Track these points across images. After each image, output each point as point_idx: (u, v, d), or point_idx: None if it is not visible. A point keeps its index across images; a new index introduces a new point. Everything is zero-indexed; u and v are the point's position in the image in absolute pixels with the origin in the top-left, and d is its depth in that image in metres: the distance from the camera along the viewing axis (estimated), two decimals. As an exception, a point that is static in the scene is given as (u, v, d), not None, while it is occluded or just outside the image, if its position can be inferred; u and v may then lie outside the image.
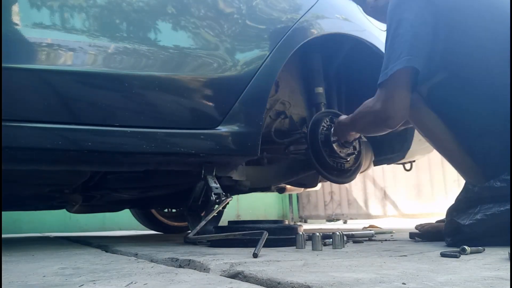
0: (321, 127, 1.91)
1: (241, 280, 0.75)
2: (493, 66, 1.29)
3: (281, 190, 2.71)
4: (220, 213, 1.65)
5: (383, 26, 2.02)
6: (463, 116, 1.34)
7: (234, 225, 1.44)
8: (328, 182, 2.30)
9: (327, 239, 1.37)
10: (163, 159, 1.51)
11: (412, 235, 1.59)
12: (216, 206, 1.51)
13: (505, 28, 1.29)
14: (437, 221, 1.59)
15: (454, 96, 1.34)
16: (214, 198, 1.52)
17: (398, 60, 1.30)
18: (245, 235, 1.30)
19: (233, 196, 1.60)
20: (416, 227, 1.58)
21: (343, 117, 1.75)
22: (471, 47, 1.30)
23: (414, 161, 2.61)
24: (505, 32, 1.28)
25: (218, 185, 1.58)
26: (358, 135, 1.84)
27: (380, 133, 1.56)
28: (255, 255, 1.01)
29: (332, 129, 1.86)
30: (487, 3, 1.33)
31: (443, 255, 0.98)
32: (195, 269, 0.90)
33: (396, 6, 1.37)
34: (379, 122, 1.43)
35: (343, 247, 1.27)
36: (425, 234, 1.53)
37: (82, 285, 0.71)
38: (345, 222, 4.96)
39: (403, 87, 1.33)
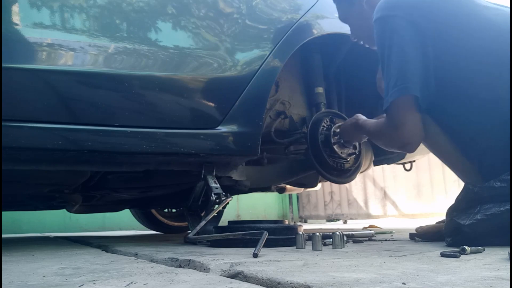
0: (321, 127, 1.91)
1: (241, 280, 0.75)
2: (483, 74, 1.31)
3: (281, 190, 2.71)
4: (220, 213, 1.65)
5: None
6: (456, 120, 1.36)
7: (234, 225, 1.44)
8: (328, 182, 2.31)
9: (327, 239, 1.37)
10: (163, 159, 1.51)
11: (412, 236, 1.59)
12: (216, 206, 1.51)
13: (493, 39, 1.32)
14: (437, 222, 1.59)
15: (447, 102, 1.36)
16: (214, 198, 1.52)
17: (396, 87, 1.33)
18: (245, 235, 1.30)
19: (233, 196, 1.60)
20: (417, 230, 1.58)
21: (362, 119, 1.69)
22: (460, 60, 1.33)
23: (414, 161, 2.61)
24: (493, 42, 1.31)
25: (218, 185, 1.58)
26: (365, 139, 1.82)
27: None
28: (255, 255, 1.01)
29: (340, 128, 1.86)
30: (472, 16, 1.35)
31: (443, 255, 0.98)
32: (195, 269, 0.90)
33: (383, 31, 1.38)
34: (397, 147, 1.47)
35: (343, 247, 1.27)
36: (425, 235, 1.53)
37: (82, 285, 0.71)
38: (345, 222, 4.96)
39: (411, 111, 1.34)
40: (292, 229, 1.40)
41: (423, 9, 1.35)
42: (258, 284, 0.70)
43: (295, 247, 1.30)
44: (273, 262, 0.91)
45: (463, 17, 1.35)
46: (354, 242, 1.53)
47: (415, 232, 1.58)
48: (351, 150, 1.96)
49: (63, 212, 3.07)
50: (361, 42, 1.69)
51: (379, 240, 1.60)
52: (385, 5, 1.38)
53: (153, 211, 3.05)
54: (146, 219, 3.10)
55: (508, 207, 1.16)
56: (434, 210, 3.89)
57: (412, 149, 1.43)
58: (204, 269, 0.87)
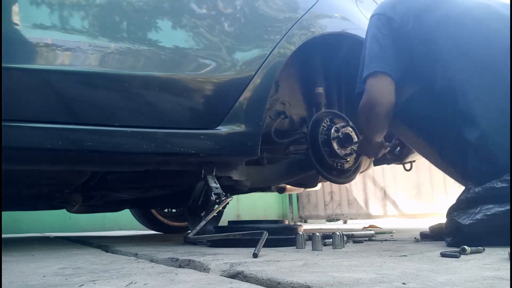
0: (321, 127, 1.91)
1: (241, 280, 0.75)
2: (452, 74, 1.40)
3: (281, 190, 2.71)
4: (220, 213, 1.65)
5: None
6: (428, 127, 1.53)
7: (234, 225, 1.44)
8: (328, 182, 2.30)
9: (327, 239, 1.37)
10: (163, 159, 1.51)
11: (423, 236, 1.58)
12: (216, 206, 1.51)
13: (467, 39, 1.41)
14: None
15: (421, 109, 1.53)
16: (214, 198, 1.52)
17: (368, 67, 1.49)
18: (245, 235, 1.30)
19: (233, 196, 1.60)
20: (430, 229, 1.58)
21: None
22: (431, 59, 1.46)
23: (414, 161, 2.60)
24: (467, 41, 1.41)
25: (218, 185, 1.57)
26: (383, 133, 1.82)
27: (377, 126, 1.61)
28: (255, 255, 1.01)
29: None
30: (451, 14, 1.46)
31: (443, 255, 0.98)
32: (195, 269, 0.90)
33: (368, 26, 1.60)
34: (369, 111, 1.52)
35: (343, 247, 1.27)
36: (433, 235, 1.53)
37: (82, 285, 0.71)
38: (345, 222, 4.96)
39: (382, 77, 1.47)
40: (292, 229, 1.40)
41: (398, 9, 1.54)
42: (258, 284, 0.70)
43: (295, 247, 1.30)
44: (273, 262, 0.91)
45: (448, 13, 1.46)
46: (354, 242, 1.53)
47: (424, 232, 1.58)
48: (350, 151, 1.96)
49: (63, 212, 3.07)
50: None
51: (379, 240, 1.60)
52: (377, 6, 1.63)
53: (153, 211, 3.05)
54: (146, 219, 3.10)
55: (508, 207, 1.16)
56: (434, 210, 3.89)
57: (382, 111, 1.50)
58: (204, 269, 0.87)
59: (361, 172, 2.24)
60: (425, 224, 3.17)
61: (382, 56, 1.48)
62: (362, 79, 1.51)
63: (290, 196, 5.66)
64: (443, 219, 1.51)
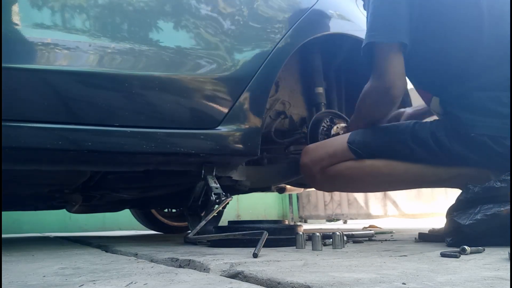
0: (321, 127, 1.91)
1: (241, 280, 0.75)
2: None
3: (281, 190, 2.71)
4: (220, 213, 1.65)
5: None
6: None
7: (234, 225, 1.44)
8: (328, 182, 2.30)
9: (327, 239, 1.37)
10: (163, 159, 1.51)
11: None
12: (216, 206, 1.51)
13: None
14: None
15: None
16: (214, 198, 1.52)
17: (380, 32, 1.36)
18: (245, 235, 1.30)
19: (233, 196, 1.60)
20: (430, 231, 1.58)
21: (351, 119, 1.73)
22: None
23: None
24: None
25: (218, 185, 1.58)
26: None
27: (386, 112, 1.53)
28: (255, 255, 1.01)
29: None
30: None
31: (443, 255, 0.98)
32: (195, 269, 0.90)
33: None
34: (382, 96, 1.42)
35: (343, 247, 1.27)
36: (436, 236, 1.53)
37: (82, 285, 0.71)
38: (345, 222, 4.96)
39: (397, 53, 1.36)
40: (292, 229, 1.40)
41: None
42: (258, 284, 0.70)
43: (295, 247, 1.30)
44: (273, 262, 0.91)
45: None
46: (354, 242, 1.53)
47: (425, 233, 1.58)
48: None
49: (63, 212, 3.07)
50: None
51: (379, 240, 1.60)
52: None
53: (153, 211, 3.05)
54: (146, 219, 3.10)
55: (508, 207, 1.16)
56: (434, 210, 3.89)
57: (396, 94, 1.39)
58: (204, 269, 0.87)
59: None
60: (425, 224, 3.17)
61: (396, 24, 1.33)
62: (372, 34, 1.37)
63: (290, 196, 5.66)
64: (443, 219, 1.52)
